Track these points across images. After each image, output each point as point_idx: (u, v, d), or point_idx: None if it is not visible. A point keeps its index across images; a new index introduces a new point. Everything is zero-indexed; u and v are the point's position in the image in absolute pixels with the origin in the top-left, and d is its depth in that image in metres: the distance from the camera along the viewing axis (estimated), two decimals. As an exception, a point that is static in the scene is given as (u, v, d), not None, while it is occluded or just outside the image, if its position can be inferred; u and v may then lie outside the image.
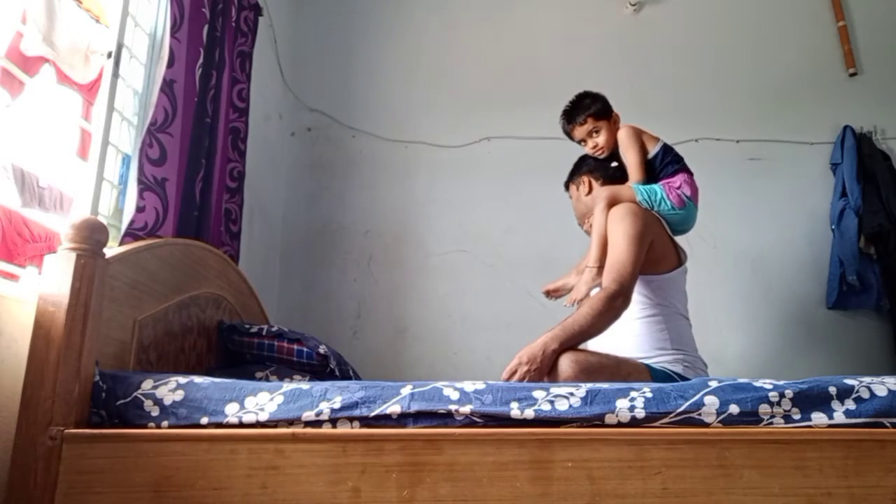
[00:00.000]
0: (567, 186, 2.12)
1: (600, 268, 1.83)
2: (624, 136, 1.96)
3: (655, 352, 1.74)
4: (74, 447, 1.15)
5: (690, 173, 1.95)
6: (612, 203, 1.88)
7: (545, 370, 1.55)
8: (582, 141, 2.03)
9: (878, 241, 2.76)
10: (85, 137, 1.76)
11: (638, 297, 1.75)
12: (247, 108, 2.32)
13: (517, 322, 2.78)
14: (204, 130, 1.99)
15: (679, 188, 1.90)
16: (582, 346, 1.67)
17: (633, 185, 1.91)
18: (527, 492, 1.12)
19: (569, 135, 2.06)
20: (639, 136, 1.97)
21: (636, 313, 1.75)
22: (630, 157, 1.96)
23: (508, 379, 1.54)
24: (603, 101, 2.02)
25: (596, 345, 1.75)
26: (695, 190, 1.93)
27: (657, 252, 1.81)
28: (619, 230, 1.78)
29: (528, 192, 2.94)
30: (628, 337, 1.75)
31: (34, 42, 1.57)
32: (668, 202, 1.87)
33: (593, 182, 2.01)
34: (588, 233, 2.03)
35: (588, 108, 1.99)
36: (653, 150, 1.96)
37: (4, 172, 1.46)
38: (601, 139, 1.98)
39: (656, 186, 1.90)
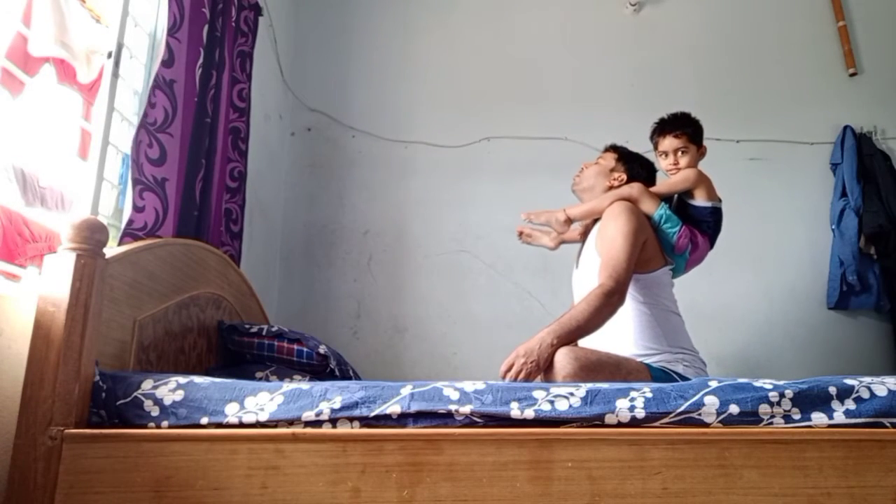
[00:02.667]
0: (613, 149, 2.09)
1: (569, 220, 1.99)
2: (689, 172, 1.95)
3: (650, 348, 1.74)
4: (74, 447, 1.15)
5: (712, 246, 1.97)
6: (627, 199, 1.89)
7: (542, 365, 1.55)
8: (663, 154, 2.01)
9: (878, 241, 2.77)
10: (85, 137, 1.76)
11: (627, 294, 1.76)
12: (247, 108, 2.32)
13: (517, 322, 2.78)
14: (204, 130, 1.99)
15: (693, 242, 1.91)
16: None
17: (664, 205, 1.91)
18: (527, 492, 1.12)
19: (655, 143, 2.05)
20: (698, 183, 1.94)
21: (627, 310, 1.76)
22: (668, 185, 1.97)
23: (506, 372, 1.55)
24: (702, 130, 2.02)
25: (588, 342, 1.75)
26: (699, 258, 1.96)
27: (648, 252, 1.84)
28: (616, 227, 1.79)
29: (528, 192, 2.94)
30: (620, 332, 1.76)
31: (45, 42, 1.57)
32: (673, 240, 1.89)
33: (622, 173, 2.00)
34: (573, 192, 2.08)
35: (688, 126, 1.99)
36: (705, 201, 1.94)
37: (5, 172, 1.46)
38: (683, 161, 1.97)
39: (680, 222, 1.90)
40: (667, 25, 3.18)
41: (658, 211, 1.90)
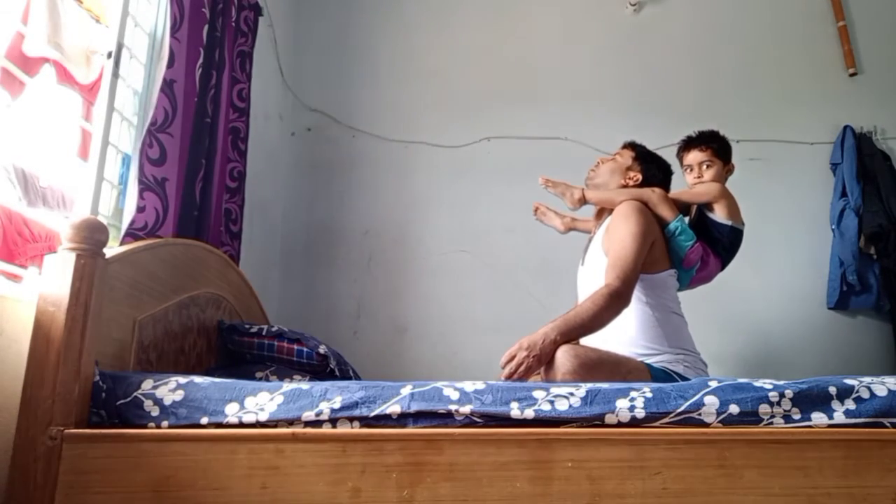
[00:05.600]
0: (631, 146, 2.06)
1: (582, 198, 1.98)
2: (715, 186, 1.94)
3: (651, 348, 1.74)
4: (74, 447, 1.15)
5: (723, 268, 1.98)
6: (643, 201, 1.88)
7: (544, 359, 1.55)
8: (689, 168, 2.01)
9: (878, 241, 2.76)
10: (85, 137, 1.76)
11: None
12: (247, 108, 2.32)
13: (517, 322, 2.76)
14: (204, 130, 1.99)
15: (703, 261, 1.91)
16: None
17: (681, 216, 1.90)
18: (527, 492, 1.12)
19: (680, 158, 2.05)
20: (720, 197, 1.92)
21: (630, 309, 1.75)
22: (690, 194, 1.96)
23: (507, 363, 1.55)
24: (729, 147, 2.02)
25: (589, 340, 1.75)
26: (706, 277, 1.96)
27: (655, 254, 1.83)
28: (626, 227, 1.79)
29: (528, 192, 2.93)
30: (622, 332, 1.75)
31: (38, 43, 1.57)
32: (683, 254, 1.88)
33: (637, 173, 1.98)
34: (586, 185, 2.05)
35: (714, 142, 1.99)
36: (725, 219, 1.92)
37: (5, 172, 1.46)
38: (708, 174, 1.96)
39: (694, 238, 1.88)
40: (667, 25, 3.18)
41: (674, 222, 1.88)
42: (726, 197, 1.94)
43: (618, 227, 1.81)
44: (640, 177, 1.98)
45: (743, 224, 1.96)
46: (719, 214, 1.93)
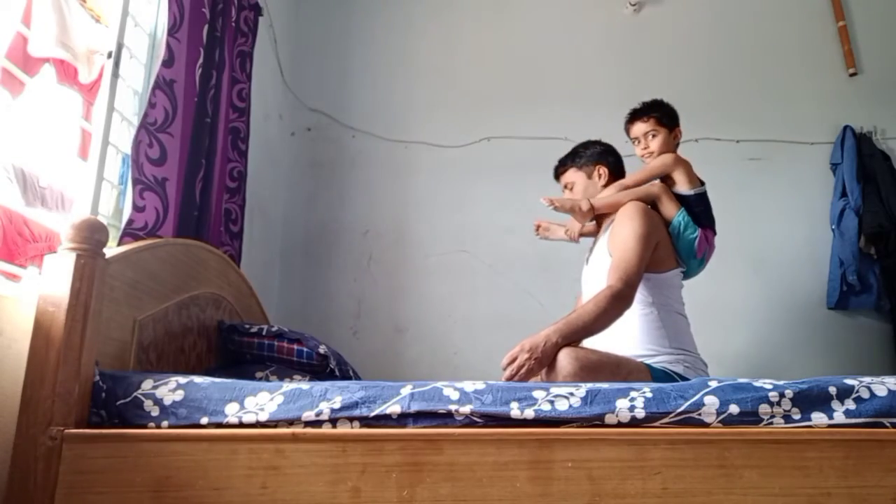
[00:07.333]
0: (564, 164, 2.08)
1: (592, 208, 1.94)
2: (666, 156, 1.94)
3: (652, 349, 1.74)
4: (74, 447, 1.15)
5: (715, 232, 1.97)
6: (646, 200, 1.89)
7: (545, 362, 1.55)
8: (636, 140, 2.02)
9: (878, 241, 2.76)
10: (85, 137, 1.76)
11: (636, 294, 1.75)
12: (247, 108, 2.32)
13: (517, 322, 2.78)
14: (204, 130, 1.99)
15: (709, 246, 1.92)
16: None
17: (683, 209, 1.90)
18: (527, 492, 1.12)
19: (627, 130, 2.06)
20: (676, 166, 1.92)
21: (633, 311, 1.75)
22: (647, 171, 1.95)
23: (508, 364, 1.55)
24: (673, 114, 2.01)
25: (591, 341, 1.75)
26: (711, 254, 1.97)
27: (660, 253, 1.83)
28: (631, 228, 1.79)
29: (528, 192, 2.92)
30: (625, 332, 1.75)
31: (47, 43, 1.57)
32: (693, 247, 1.88)
33: (601, 167, 2.01)
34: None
35: (655, 111, 1.99)
36: (688, 189, 1.92)
37: (5, 172, 1.46)
38: (654, 144, 1.97)
39: (696, 227, 1.89)
40: (667, 25, 3.18)
41: (677, 217, 1.88)
42: (680, 163, 1.94)
43: (622, 228, 1.82)
44: (605, 169, 2.01)
45: (703, 183, 1.95)
46: (680, 186, 1.93)
